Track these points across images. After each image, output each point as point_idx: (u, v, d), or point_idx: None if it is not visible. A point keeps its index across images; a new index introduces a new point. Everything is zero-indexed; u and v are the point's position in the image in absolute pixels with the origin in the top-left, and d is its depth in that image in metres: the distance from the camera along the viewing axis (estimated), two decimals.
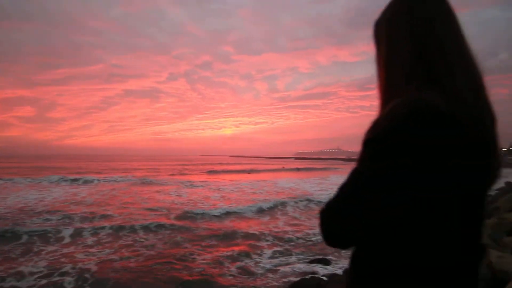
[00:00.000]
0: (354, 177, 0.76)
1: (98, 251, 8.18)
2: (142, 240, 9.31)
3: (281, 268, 7.18)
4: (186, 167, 61.65)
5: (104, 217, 12.17)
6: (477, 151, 0.74)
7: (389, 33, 0.87)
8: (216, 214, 13.00)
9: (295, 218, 12.95)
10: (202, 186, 24.91)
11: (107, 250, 8.26)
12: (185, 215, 12.70)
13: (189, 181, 28.37)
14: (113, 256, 7.78)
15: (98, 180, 27.48)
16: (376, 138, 0.73)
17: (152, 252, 8.16)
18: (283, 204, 15.71)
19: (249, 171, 46.44)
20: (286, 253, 8.30)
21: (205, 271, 6.94)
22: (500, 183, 23.28)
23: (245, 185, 25.32)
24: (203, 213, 13.17)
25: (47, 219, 11.63)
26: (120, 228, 10.39)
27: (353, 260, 0.85)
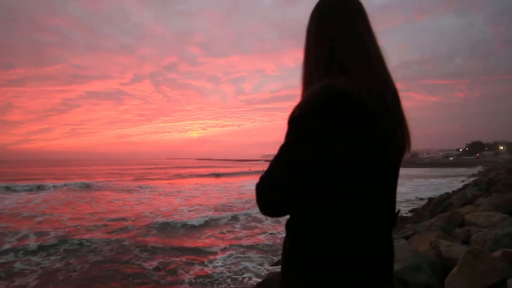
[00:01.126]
0: (280, 152, 0.88)
1: None
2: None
3: (244, 272, 7.12)
4: (151, 171, 60.41)
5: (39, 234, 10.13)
6: (381, 134, 0.86)
7: (310, 33, 1.02)
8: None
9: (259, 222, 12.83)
10: (165, 192, 24.35)
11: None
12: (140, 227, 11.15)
13: (154, 187, 27.70)
14: None
15: (54, 186, 25.98)
16: (295, 118, 0.85)
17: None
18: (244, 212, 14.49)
19: (217, 175, 45.75)
20: (249, 258, 8.11)
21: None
22: (457, 184, 24.55)
23: (211, 190, 25.06)
24: (164, 223, 11.94)
25: None
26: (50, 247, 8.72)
27: (287, 228, 0.94)
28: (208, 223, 12.06)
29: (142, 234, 10.26)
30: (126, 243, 9.14)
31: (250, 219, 12.89)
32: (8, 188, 23.41)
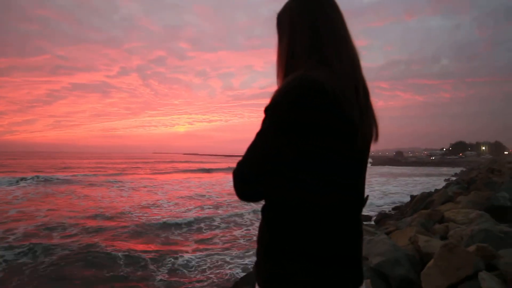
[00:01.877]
0: (256, 139, 0.91)
1: None
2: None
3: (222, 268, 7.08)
4: (137, 165, 59.73)
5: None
6: (351, 123, 0.90)
7: (291, 23, 1.04)
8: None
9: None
10: (148, 187, 24.02)
11: None
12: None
13: (136, 181, 27.34)
14: None
15: (37, 177, 25.33)
16: (270, 107, 0.89)
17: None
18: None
19: (208, 170, 44.98)
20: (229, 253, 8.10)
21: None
22: (440, 183, 24.96)
23: (195, 185, 24.87)
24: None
25: None
26: None
27: (263, 214, 0.98)
28: (193, 222, 11.46)
29: (116, 234, 9.60)
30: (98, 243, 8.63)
31: (231, 217, 12.30)
32: None
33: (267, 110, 0.90)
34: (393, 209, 14.26)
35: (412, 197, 14.90)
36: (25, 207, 13.72)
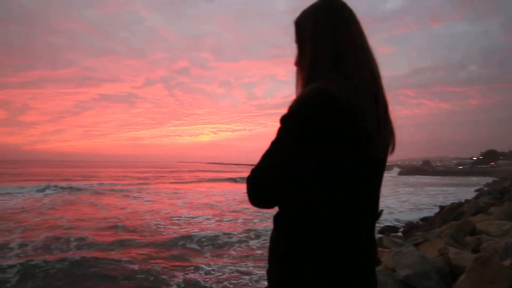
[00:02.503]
0: (271, 147, 0.92)
1: None
2: None
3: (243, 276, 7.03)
4: (163, 174, 60.49)
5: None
6: (367, 135, 0.90)
7: (312, 35, 1.03)
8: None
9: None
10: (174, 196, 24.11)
11: None
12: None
13: (183, 191, 27.60)
14: None
15: (62, 188, 25.44)
16: (286, 116, 0.91)
17: None
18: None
19: (235, 180, 43.41)
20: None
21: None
22: (470, 193, 24.16)
23: (227, 194, 24.89)
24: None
25: None
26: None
27: (275, 221, 0.98)
28: (212, 232, 11.08)
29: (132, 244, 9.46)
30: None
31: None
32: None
33: (283, 119, 0.91)
34: (421, 220, 13.85)
35: (441, 207, 14.47)
36: (49, 215, 14.05)
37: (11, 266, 7.11)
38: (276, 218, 0.98)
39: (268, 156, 0.93)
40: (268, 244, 0.98)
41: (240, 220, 13.76)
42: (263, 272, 6.90)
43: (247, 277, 6.97)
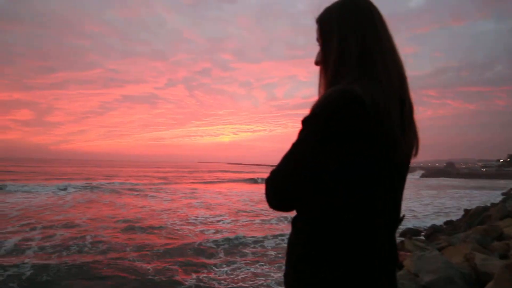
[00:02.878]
0: (292, 149, 0.90)
1: None
2: None
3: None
4: (184, 173, 61.00)
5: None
6: (391, 138, 0.87)
7: (337, 35, 0.99)
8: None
9: None
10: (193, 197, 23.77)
11: None
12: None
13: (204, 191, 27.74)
14: None
15: (83, 187, 25.70)
16: (308, 118, 0.88)
17: None
18: None
19: (256, 180, 42.23)
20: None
21: None
22: (496, 197, 23.44)
23: (245, 195, 24.86)
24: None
25: None
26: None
27: (293, 224, 0.96)
28: (228, 233, 10.97)
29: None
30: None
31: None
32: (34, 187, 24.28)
33: (306, 121, 0.89)
34: (445, 223, 13.51)
35: (466, 211, 14.06)
36: (70, 213, 14.38)
37: (26, 262, 7.41)
38: (295, 221, 0.95)
39: (289, 157, 0.90)
40: (283, 245, 0.94)
41: (257, 221, 13.64)
42: (278, 274, 7.10)
43: (262, 278, 6.93)
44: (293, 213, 0.97)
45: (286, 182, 0.91)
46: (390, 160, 0.90)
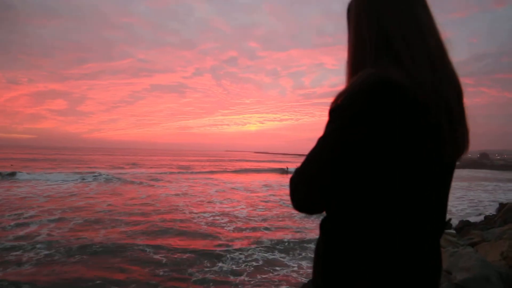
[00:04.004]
0: (318, 143, 0.79)
1: None
2: None
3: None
4: (210, 162, 61.57)
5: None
6: (436, 131, 0.77)
7: (358, 15, 0.90)
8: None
9: None
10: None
11: None
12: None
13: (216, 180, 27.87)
14: None
15: (110, 175, 26.42)
16: (336, 108, 0.77)
17: None
18: None
19: (286, 170, 41.12)
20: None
21: None
22: None
23: (268, 188, 24.65)
24: None
25: None
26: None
27: (321, 228, 0.87)
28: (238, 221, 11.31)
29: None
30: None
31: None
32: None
33: (333, 111, 0.78)
34: (479, 217, 13.00)
35: (501, 205, 13.48)
36: (92, 199, 15.14)
37: (42, 243, 8.00)
38: (324, 224, 0.87)
39: (314, 155, 0.79)
40: (308, 245, 0.84)
41: (274, 212, 13.48)
42: (293, 262, 7.10)
43: (278, 268, 6.96)
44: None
45: (310, 183, 0.80)
46: (435, 157, 0.79)
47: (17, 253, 7.34)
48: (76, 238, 8.50)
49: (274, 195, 18.47)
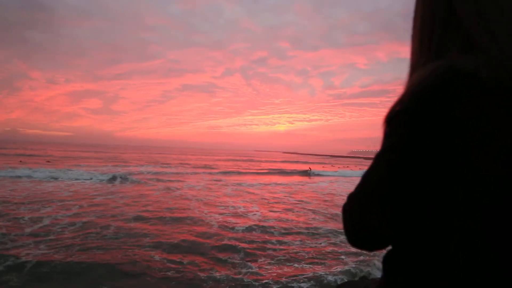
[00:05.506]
0: (375, 162, 0.66)
1: None
2: None
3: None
4: (238, 163, 61.55)
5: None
6: None
7: None
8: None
9: None
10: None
11: None
12: None
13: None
14: None
15: (133, 174, 26.65)
16: (395, 114, 0.64)
17: None
18: None
19: (309, 173, 39.17)
20: None
21: None
22: None
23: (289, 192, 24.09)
24: None
25: None
26: None
27: (384, 265, 0.73)
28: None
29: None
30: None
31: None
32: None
33: (390, 119, 0.64)
34: None
35: None
36: (113, 194, 15.75)
37: (47, 234, 8.49)
38: (386, 260, 0.72)
39: (370, 176, 0.66)
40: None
41: (289, 215, 12.72)
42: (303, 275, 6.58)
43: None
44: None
45: (366, 211, 0.65)
46: None
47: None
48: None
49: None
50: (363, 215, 0.66)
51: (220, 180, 26.07)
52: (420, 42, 0.73)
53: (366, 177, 0.67)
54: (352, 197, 0.68)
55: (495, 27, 0.62)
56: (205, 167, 43.02)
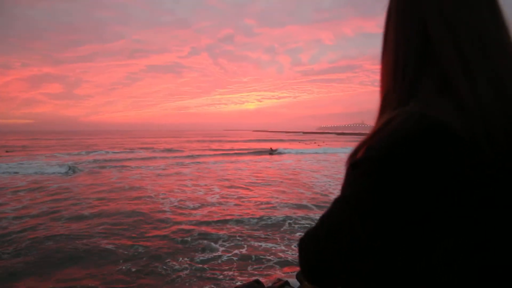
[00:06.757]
0: (337, 205, 0.63)
1: None
2: None
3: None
4: (207, 144, 60.06)
5: None
6: (503, 183, 0.57)
7: (390, 17, 0.71)
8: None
9: None
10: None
11: None
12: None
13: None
14: None
15: (96, 160, 26.19)
16: (363, 162, 0.60)
17: None
18: None
19: (271, 152, 38.70)
20: None
21: None
22: None
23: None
24: None
25: None
26: None
27: None
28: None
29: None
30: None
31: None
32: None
33: (356, 166, 0.60)
34: None
35: None
36: (73, 181, 15.82)
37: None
38: None
39: (328, 220, 0.63)
40: None
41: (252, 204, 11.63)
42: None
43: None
44: None
45: (321, 252, 0.63)
46: (502, 224, 0.57)
47: None
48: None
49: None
50: (316, 256, 0.64)
51: (184, 164, 24.87)
52: (393, 71, 0.68)
53: (324, 219, 0.64)
54: (309, 234, 0.65)
55: (473, 66, 0.59)
56: (171, 150, 41.16)
